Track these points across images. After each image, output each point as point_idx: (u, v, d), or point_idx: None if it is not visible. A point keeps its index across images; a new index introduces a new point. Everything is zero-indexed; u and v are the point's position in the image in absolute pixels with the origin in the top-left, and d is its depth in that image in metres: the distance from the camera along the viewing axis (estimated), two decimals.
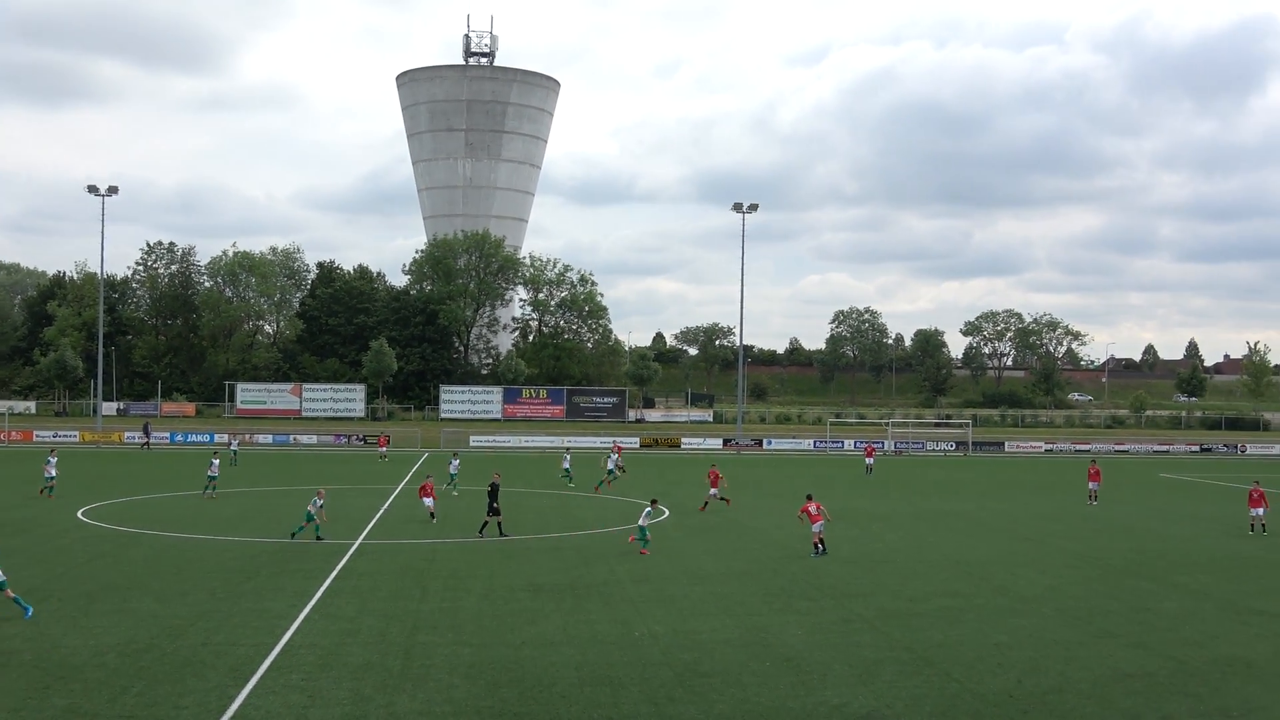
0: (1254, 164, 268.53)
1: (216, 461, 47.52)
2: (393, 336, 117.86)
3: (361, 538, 35.88)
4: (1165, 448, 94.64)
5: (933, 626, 24.24)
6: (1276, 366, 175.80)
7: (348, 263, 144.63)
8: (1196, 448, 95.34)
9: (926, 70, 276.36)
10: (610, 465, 52.34)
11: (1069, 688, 19.63)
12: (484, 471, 60.15)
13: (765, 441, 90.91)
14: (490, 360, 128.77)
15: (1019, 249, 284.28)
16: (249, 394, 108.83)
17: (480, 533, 36.47)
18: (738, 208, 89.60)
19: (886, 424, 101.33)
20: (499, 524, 36.52)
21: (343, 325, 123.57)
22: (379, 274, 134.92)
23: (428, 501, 40.12)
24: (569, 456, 55.46)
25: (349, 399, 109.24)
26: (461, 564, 31.33)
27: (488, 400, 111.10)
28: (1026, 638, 23.33)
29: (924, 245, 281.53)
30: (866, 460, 64.72)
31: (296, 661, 20.52)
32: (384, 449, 72.02)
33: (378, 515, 41.55)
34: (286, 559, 31.57)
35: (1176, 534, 40.77)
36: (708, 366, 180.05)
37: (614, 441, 75.50)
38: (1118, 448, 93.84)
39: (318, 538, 34.25)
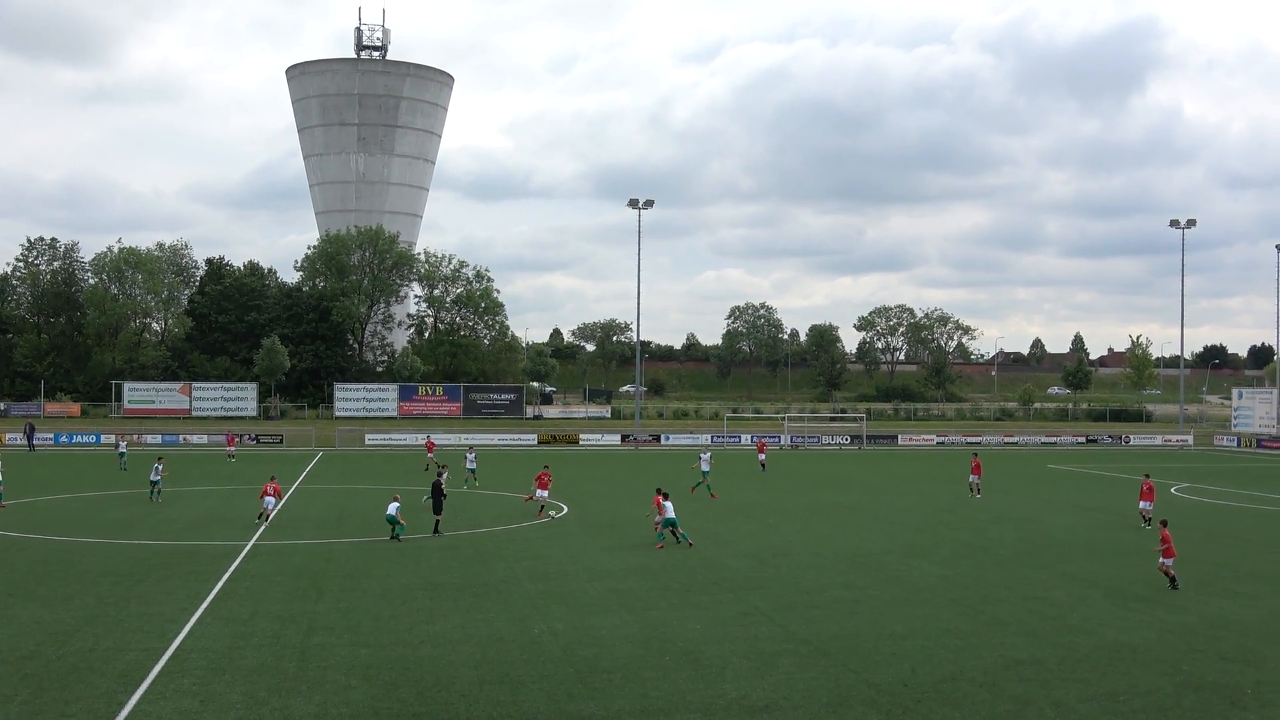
0: (1136, 162, 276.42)
1: (160, 465, 45.78)
2: (285, 334, 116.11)
3: (255, 539, 35.33)
4: (1053, 439, 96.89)
5: (829, 618, 24.59)
6: (1158, 359, 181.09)
7: (238, 259, 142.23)
8: (1082, 439, 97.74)
9: (819, 68, 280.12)
10: (705, 467, 49.59)
11: (962, 676, 20.04)
12: (394, 471, 59.57)
13: (663, 437, 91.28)
14: (385, 358, 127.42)
15: (910, 245, 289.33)
16: (136, 393, 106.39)
17: (435, 531, 36.60)
18: (634, 204, 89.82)
19: (782, 418, 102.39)
20: (436, 523, 36.70)
21: (233, 323, 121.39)
22: (271, 270, 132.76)
23: (268, 501, 39.95)
24: (473, 455, 54.78)
25: (240, 398, 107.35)
26: (358, 564, 31.01)
27: (383, 398, 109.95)
28: (920, 627, 23.76)
29: (818, 241, 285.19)
30: (759, 456, 64.92)
31: (188, 666, 20.15)
32: (232, 448, 69.57)
33: (271, 515, 40.89)
34: (178, 561, 30.96)
35: (1064, 524, 41.79)
36: (605, 362, 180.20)
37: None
38: (1007, 440, 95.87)
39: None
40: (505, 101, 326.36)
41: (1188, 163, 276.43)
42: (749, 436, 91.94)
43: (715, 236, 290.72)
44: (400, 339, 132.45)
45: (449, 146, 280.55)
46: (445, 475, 40.69)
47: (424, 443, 58.02)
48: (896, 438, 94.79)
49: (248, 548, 33.47)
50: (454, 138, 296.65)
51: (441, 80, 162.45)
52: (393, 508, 35.02)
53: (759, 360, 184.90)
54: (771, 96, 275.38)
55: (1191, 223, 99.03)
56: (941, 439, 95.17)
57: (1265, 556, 34.54)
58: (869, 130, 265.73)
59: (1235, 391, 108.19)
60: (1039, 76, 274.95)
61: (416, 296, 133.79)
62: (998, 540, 37.09)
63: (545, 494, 42.01)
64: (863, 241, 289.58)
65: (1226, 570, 31.52)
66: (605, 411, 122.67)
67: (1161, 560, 28.29)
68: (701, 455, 50.95)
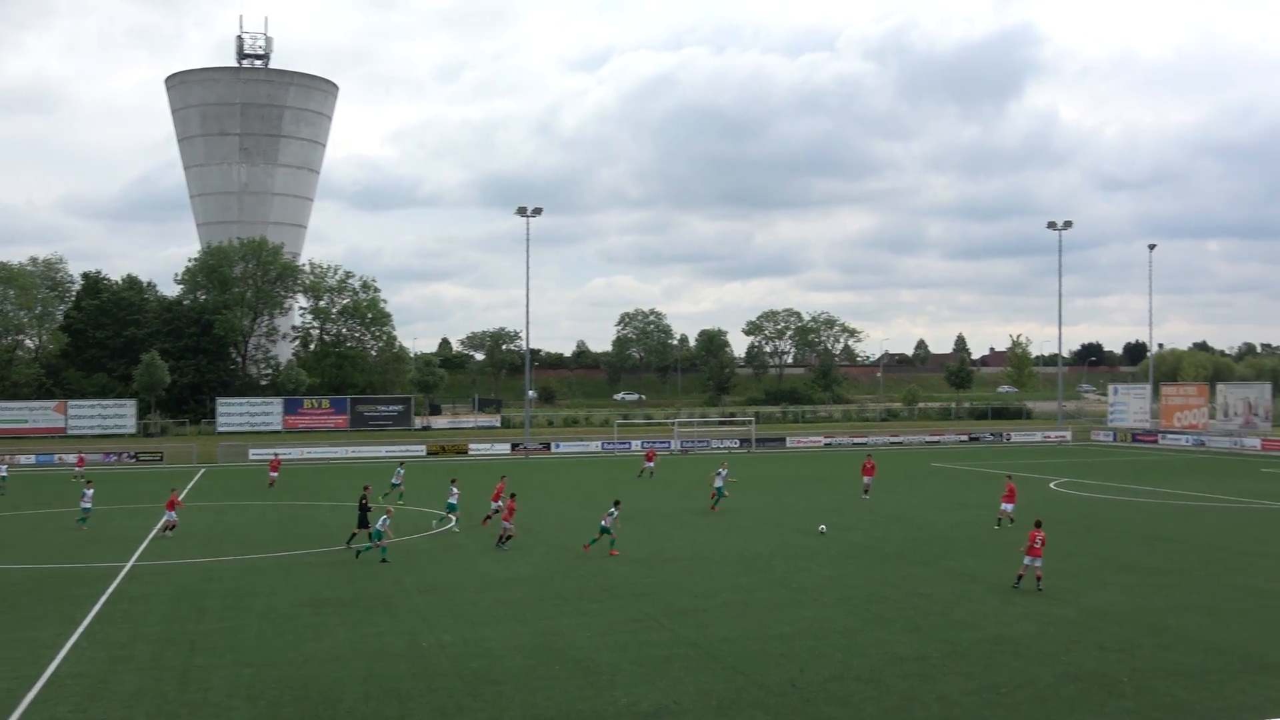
0: (1014, 166, 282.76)
1: (90, 492, 43.45)
2: (165, 349, 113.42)
3: (133, 559, 34.43)
4: (936, 438, 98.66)
5: (718, 621, 24.71)
6: (1037, 358, 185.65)
7: (116, 272, 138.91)
8: (965, 437, 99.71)
9: (706, 75, 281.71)
10: (719, 483, 47.72)
11: (849, 674, 20.28)
12: (283, 486, 58.49)
13: (554, 445, 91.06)
14: (270, 371, 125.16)
15: (797, 250, 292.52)
16: (8, 413, 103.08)
17: (348, 544, 36.08)
18: (522, 211, 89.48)
19: (672, 424, 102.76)
20: (369, 534, 35.90)
21: (111, 338, 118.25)
22: (150, 284, 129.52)
23: (170, 515, 39.18)
24: (402, 471, 53.44)
25: (118, 415, 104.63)
26: (241, 582, 30.39)
27: (267, 412, 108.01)
28: (808, 628, 24.01)
29: (706, 247, 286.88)
30: (647, 464, 64.43)
31: (64, 693, 19.55)
32: (80, 469, 66.91)
33: (150, 535, 39.92)
34: (52, 585, 30.05)
35: (947, 521, 42.56)
36: (495, 371, 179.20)
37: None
38: (892, 440, 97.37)
39: None
40: (391, 110, 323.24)
41: (1064, 166, 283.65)
42: (639, 443, 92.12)
43: (604, 243, 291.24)
44: (285, 352, 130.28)
45: (334, 156, 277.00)
46: (369, 491, 39.73)
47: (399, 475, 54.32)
48: (785, 440, 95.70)
49: (126, 569, 32.60)
50: (339, 147, 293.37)
51: (326, 89, 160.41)
52: (383, 521, 34.13)
53: (649, 366, 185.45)
54: (659, 104, 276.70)
55: (1068, 224, 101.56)
56: (829, 440, 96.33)
57: (1140, 548, 35.54)
58: (756, 137, 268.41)
59: (1111, 388, 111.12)
60: (920, 83, 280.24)
61: (301, 308, 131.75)
62: (883, 539, 37.64)
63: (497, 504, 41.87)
64: (751, 247, 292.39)
65: (1104, 562, 32.37)
66: (495, 421, 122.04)
67: (1026, 560, 28.14)
68: (720, 471, 48.81)
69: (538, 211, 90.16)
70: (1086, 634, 23.34)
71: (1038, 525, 28.98)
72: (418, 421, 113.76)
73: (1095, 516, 43.52)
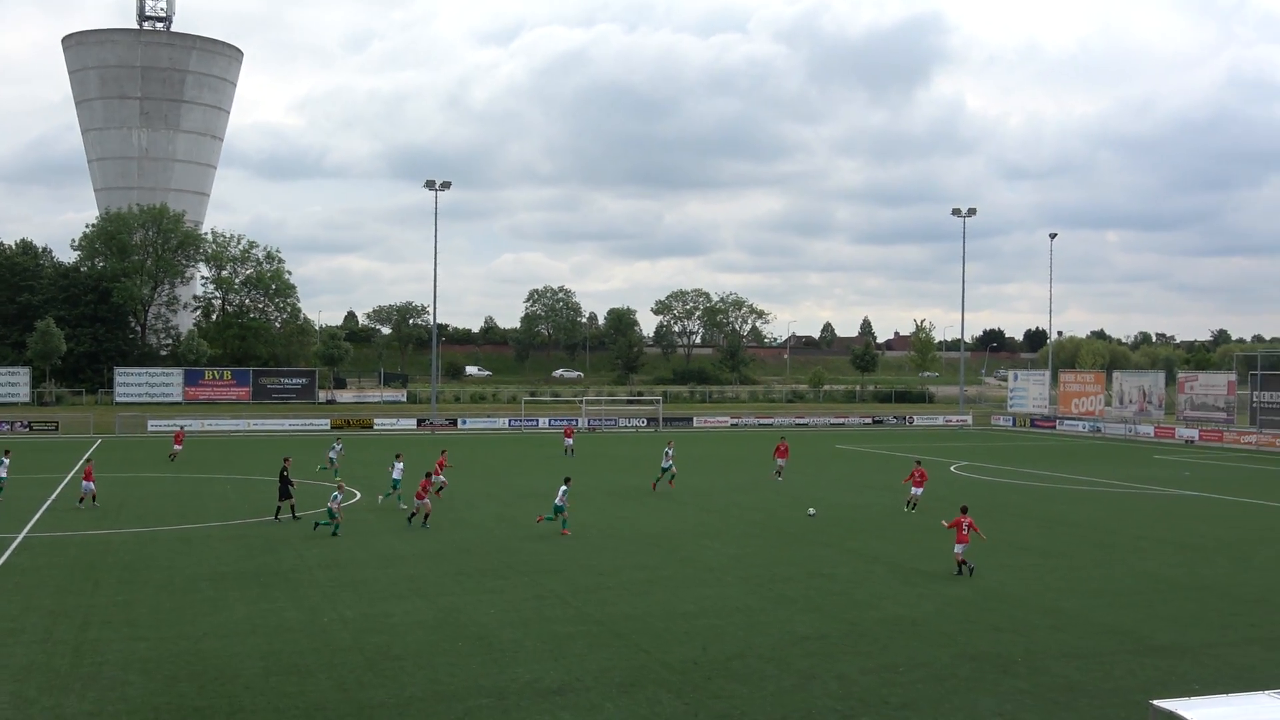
0: (921, 153, 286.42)
1: (6, 461, 42.08)
2: (61, 316, 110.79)
3: (25, 531, 33.66)
4: (841, 421, 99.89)
5: (622, 599, 24.81)
6: (941, 343, 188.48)
7: (9, 237, 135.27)
8: (869, 420, 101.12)
9: (617, 53, 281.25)
10: (667, 463, 46.47)
11: (750, 652, 20.48)
12: (188, 458, 57.44)
13: (460, 421, 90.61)
14: (170, 341, 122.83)
15: (707, 230, 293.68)
16: None
17: (276, 517, 36.12)
18: (431, 185, 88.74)
19: (580, 401, 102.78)
20: (292, 506, 36.25)
21: (3, 305, 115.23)
22: (45, 249, 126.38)
23: (88, 485, 38.62)
24: (339, 446, 52.69)
25: (11, 384, 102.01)
26: (138, 555, 29.86)
27: (167, 383, 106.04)
28: (711, 606, 24.19)
29: (617, 225, 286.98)
30: (566, 441, 64.95)
31: None
32: None
33: (44, 506, 39.05)
34: None
35: (850, 502, 43.14)
36: (402, 346, 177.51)
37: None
38: (798, 421, 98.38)
39: None
40: (298, 78, 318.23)
41: (970, 154, 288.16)
42: (548, 420, 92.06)
43: (514, 219, 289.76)
44: (186, 321, 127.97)
45: (239, 123, 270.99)
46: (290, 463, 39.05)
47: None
48: (692, 420, 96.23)
49: (17, 541, 31.85)
50: (244, 114, 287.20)
51: (230, 54, 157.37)
52: (334, 498, 34.14)
53: (558, 343, 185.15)
54: (570, 80, 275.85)
55: (972, 212, 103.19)
56: (735, 421, 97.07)
57: (1036, 530, 36.32)
58: (667, 116, 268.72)
59: (1011, 373, 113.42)
60: (831, 67, 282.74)
61: (203, 278, 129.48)
62: (787, 520, 38.04)
63: (442, 478, 42.33)
64: (661, 226, 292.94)
65: (1000, 544, 33.00)
66: (401, 395, 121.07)
67: (957, 548, 28.11)
68: (667, 450, 47.84)
69: (446, 185, 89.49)
70: (983, 615, 23.82)
71: (964, 511, 28.90)
72: (322, 395, 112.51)
73: (993, 499, 44.38)
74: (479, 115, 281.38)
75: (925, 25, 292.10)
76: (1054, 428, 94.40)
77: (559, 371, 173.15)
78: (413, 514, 35.73)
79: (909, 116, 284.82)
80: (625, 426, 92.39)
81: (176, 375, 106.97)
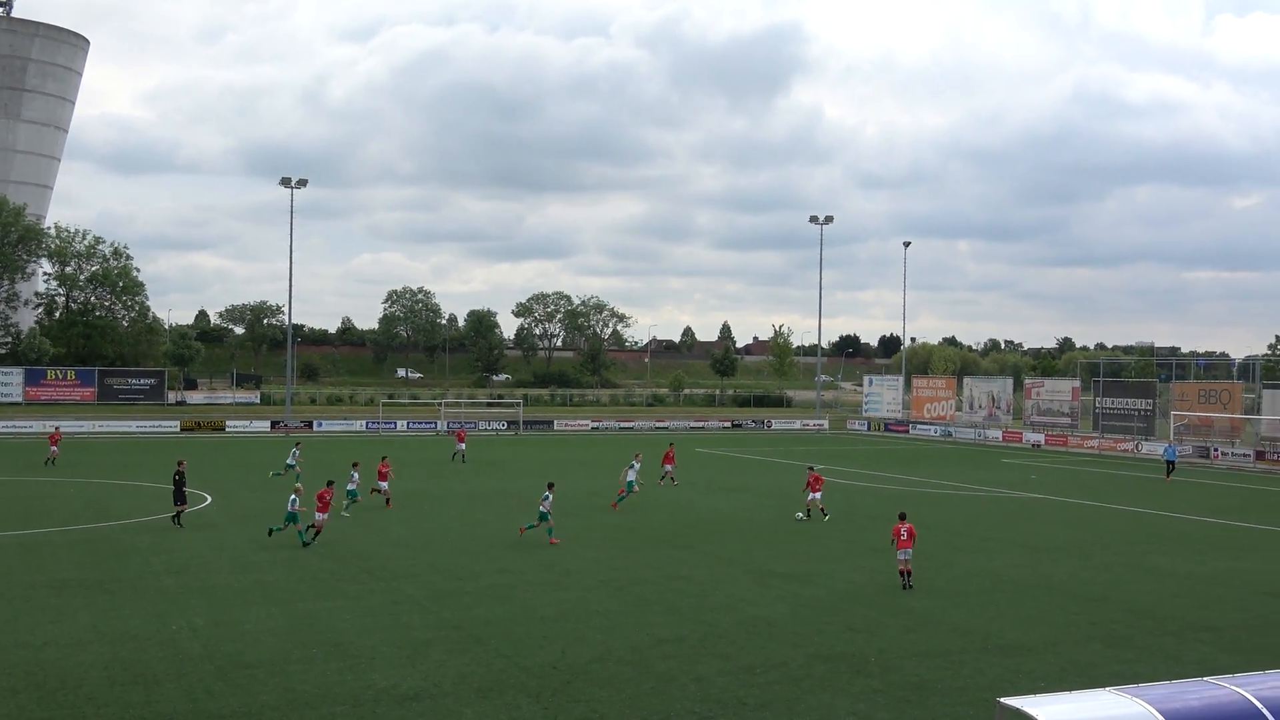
0: (780, 160, 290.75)
1: None
2: None
3: None
4: (701, 424, 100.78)
5: (481, 604, 24.69)
6: (798, 348, 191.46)
7: None
8: (729, 424, 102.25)
9: (479, 53, 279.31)
10: (631, 476, 43.60)
11: (609, 656, 20.57)
12: (13, 462, 55.37)
13: (315, 423, 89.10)
14: (10, 339, 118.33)
15: (569, 233, 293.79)
16: None
17: (175, 520, 35.11)
18: (286, 182, 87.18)
19: (439, 404, 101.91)
20: (180, 513, 35.24)
21: None
22: None
23: None
24: (297, 451, 50.76)
25: None
26: None
27: (6, 382, 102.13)
28: (571, 610, 24.23)
29: (477, 227, 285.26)
30: (459, 446, 62.83)
31: None
32: None
33: None
34: None
35: (710, 505, 43.57)
36: (255, 346, 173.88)
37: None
38: (658, 425, 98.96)
39: None
40: (148, 70, 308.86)
41: (827, 162, 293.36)
42: (405, 423, 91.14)
43: (372, 219, 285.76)
44: (27, 319, 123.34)
45: (85, 115, 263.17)
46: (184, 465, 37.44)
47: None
48: (553, 423, 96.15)
49: None
50: (91, 105, 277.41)
51: (75, 43, 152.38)
52: (293, 502, 32.41)
53: (417, 345, 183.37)
54: (431, 79, 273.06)
55: (830, 219, 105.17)
56: (596, 424, 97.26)
57: (889, 533, 37.06)
58: (529, 118, 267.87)
59: (866, 379, 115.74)
60: (692, 73, 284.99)
61: (46, 274, 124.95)
62: (646, 523, 38.26)
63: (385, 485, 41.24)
64: (522, 228, 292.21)
65: (854, 546, 33.70)
66: (254, 397, 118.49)
67: (899, 555, 27.66)
68: (633, 464, 44.56)
69: (303, 183, 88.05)
70: (837, 615, 24.28)
71: (902, 518, 28.28)
72: (171, 396, 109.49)
73: (848, 502, 45.19)
74: (337, 112, 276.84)
75: (785, 35, 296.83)
76: (907, 432, 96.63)
77: (402, 371, 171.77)
78: (314, 529, 32.36)
79: (768, 124, 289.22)
80: (485, 430, 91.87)
81: (16, 375, 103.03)
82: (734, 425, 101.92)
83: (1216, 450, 71.28)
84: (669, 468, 51.09)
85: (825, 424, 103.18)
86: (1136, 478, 60.34)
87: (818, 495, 39.67)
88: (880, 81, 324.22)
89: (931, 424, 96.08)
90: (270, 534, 32.87)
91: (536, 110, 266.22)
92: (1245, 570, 31.39)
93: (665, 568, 29.62)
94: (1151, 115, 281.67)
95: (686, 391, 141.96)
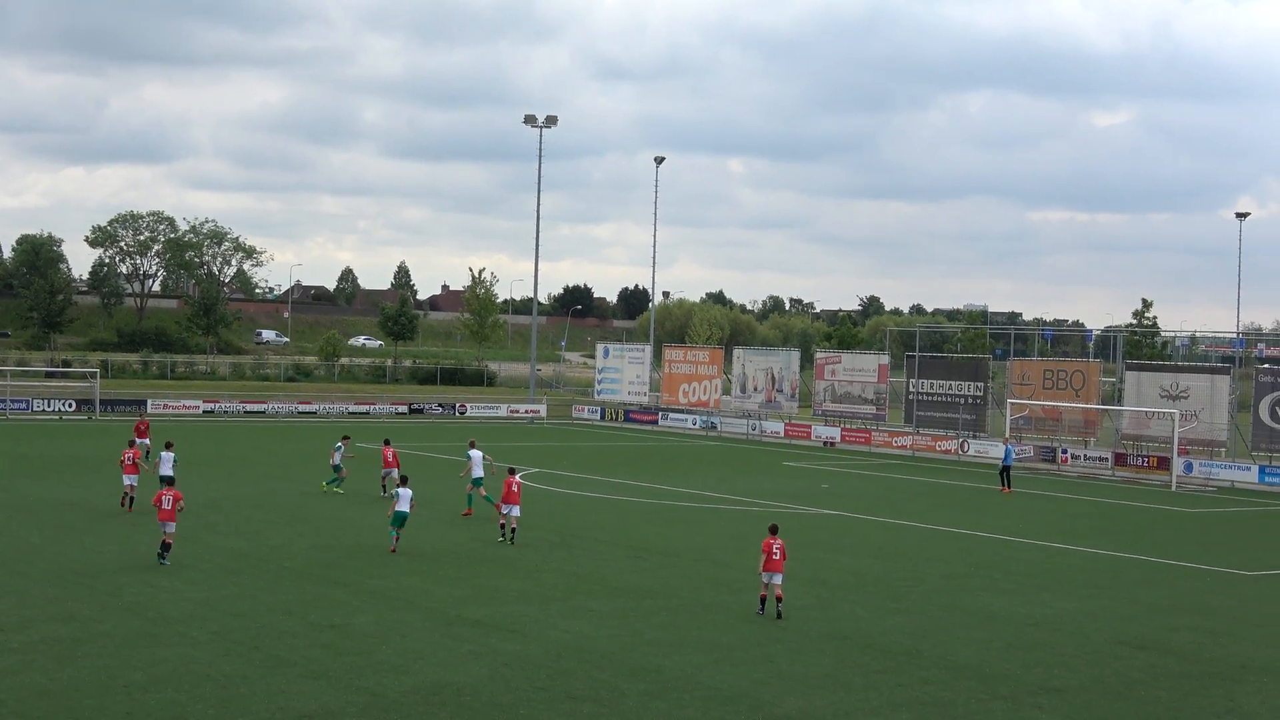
0: (484, 34, 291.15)
1: None
2: None
3: None
4: (365, 408, 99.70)
5: (31, 668, 23.93)
6: (506, 302, 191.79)
7: None
8: (404, 408, 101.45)
9: None
10: (337, 460, 51.11)
11: None
12: None
13: None
14: None
15: (172, 127, 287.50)
16: None
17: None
18: None
19: None
20: None
21: None
22: None
23: None
24: (342, 446, 49.14)
25: None
26: None
27: None
28: (169, 673, 23.64)
29: (32, 111, 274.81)
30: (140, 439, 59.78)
31: None
32: None
33: None
34: None
35: (373, 524, 43.09)
36: None
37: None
38: (302, 408, 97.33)
39: None
40: None
41: (550, 40, 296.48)
42: None
43: None
44: None
45: None
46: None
47: None
48: (146, 403, 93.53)
49: None
50: None
51: None
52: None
53: None
54: None
55: (552, 120, 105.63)
56: (211, 406, 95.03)
57: (626, 562, 37.70)
58: None
59: (600, 348, 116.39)
60: None
61: None
62: (284, 548, 37.81)
63: None
64: (103, 116, 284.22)
65: (578, 582, 34.07)
66: None
67: (764, 577, 29.39)
68: (338, 446, 50.30)
69: None
70: (554, 679, 24.49)
71: (773, 531, 29.86)
72: None
73: (568, 521, 45.61)
74: None
75: None
76: (656, 422, 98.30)
77: None
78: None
79: None
80: (44, 411, 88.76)
81: None
82: (412, 410, 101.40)
83: (1065, 452, 74.85)
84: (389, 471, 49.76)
85: (542, 410, 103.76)
86: (962, 488, 63.04)
87: (515, 510, 39.51)
88: None
89: (689, 412, 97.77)
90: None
91: None
92: (1098, 612, 33.20)
93: (310, 612, 29.30)
94: None
95: (345, 361, 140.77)
